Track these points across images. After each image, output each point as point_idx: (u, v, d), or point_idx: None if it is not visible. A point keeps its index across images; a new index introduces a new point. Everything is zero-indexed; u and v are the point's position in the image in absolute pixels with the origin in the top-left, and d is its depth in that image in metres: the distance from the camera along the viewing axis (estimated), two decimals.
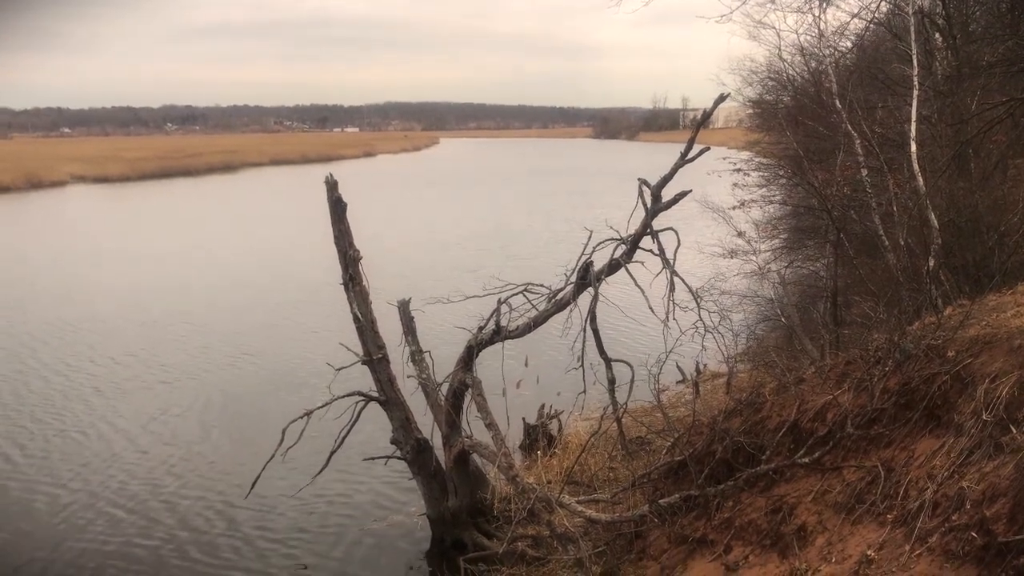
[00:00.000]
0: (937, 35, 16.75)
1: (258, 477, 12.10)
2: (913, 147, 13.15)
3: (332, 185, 12.13)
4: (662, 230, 10.57)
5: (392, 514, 13.83)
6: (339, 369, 11.95)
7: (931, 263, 11.85)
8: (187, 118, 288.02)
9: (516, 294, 11.28)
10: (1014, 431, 6.47)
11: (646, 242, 10.68)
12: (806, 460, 8.77)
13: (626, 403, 11.52)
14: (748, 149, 35.10)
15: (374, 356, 12.30)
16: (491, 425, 11.16)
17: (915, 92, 13.59)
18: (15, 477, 15.58)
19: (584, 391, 10.95)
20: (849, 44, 21.40)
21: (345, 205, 12.21)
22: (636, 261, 10.73)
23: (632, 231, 10.74)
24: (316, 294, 27.75)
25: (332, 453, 12.35)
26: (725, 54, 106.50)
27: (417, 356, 12.74)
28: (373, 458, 13.36)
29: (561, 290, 11.13)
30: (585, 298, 10.99)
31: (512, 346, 11.69)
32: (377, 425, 13.29)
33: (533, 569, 10.99)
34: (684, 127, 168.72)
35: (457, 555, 11.79)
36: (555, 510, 10.61)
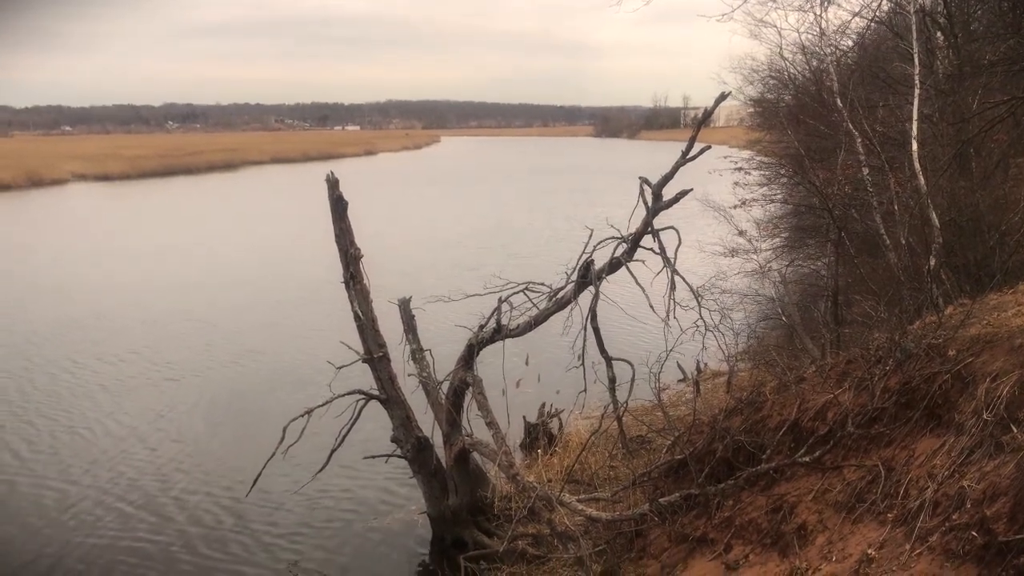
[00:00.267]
0: (939, 34, 16.74)
1: (259, 475, 12.11)
2: (914, 146, 13.14)
3: (333, 183, 12.13)
4: (663, 229, 10.57)
5: (393, 512, 13.84)
6: (340, 367, 11.97)
7: (932, 262, 11.84)
8: (188, 116, 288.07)
9: (517, 292, 11.28)
10: (1015, 430, 6.47)
11: (647, 241, 10.68)
12: (807, 459, 8.77)
13: (627, 402, 11.52)
14: (749, 148, 35.06)
15: (375, 354, 12.31)
16: (492, 423, 11.16)
17: (916, 91, 13.59)
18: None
19: (585, 389, 10.95)
20: (850, 43, 21.41)
21: (346, 203, 12.21)
22: (637, 260, 10.73)
23: (633, 230, 10.74)
24: (317, 292, 27.76)
25: (333, 451, 12.36)
26: (726, 53, 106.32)
27: (418, 354, 12.75)
28: (374, 456, 13.36)
29: (562, 289, 11.13)
30: (586, 297, 10.99)
31: (513, 345, 11.70)
32: (378, 423, 13.30)
33: (533, 567, 11.00)
34: (685, 126, 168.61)
35: (457, 553, 11.79)
36: (555, 508, 10.61)
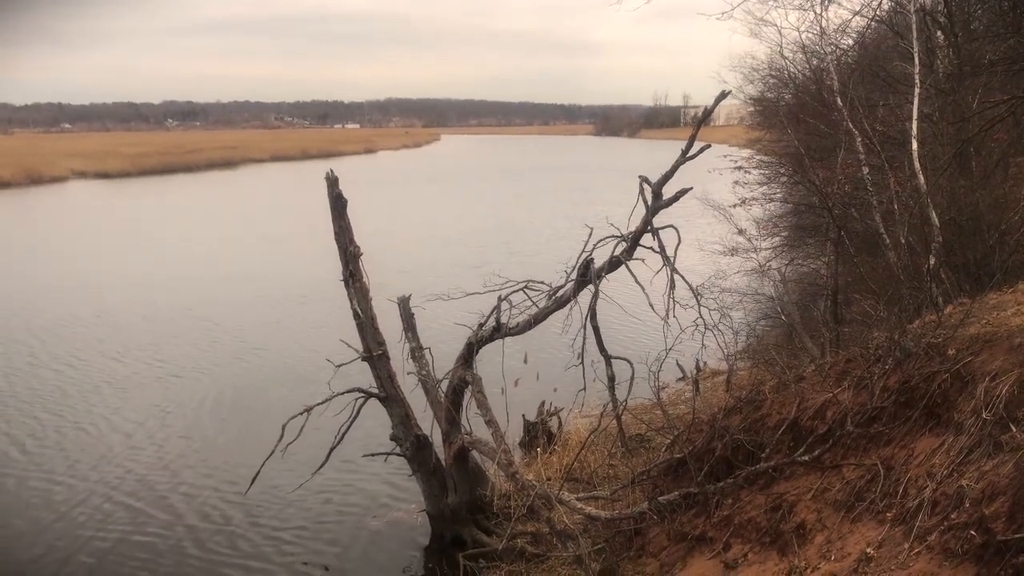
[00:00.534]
0: (939, 33, 16.72)
1: (257, 473, 12.11)
2: (914, 145, 13.14)
3: (332, 181, 12.12)
4: (663, 227, 10.57)
5: (392, 510, 13.85)
6: (339, 365, 11.97)
7: (932, 261, 11.84)
8: (188, 114, 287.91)
9: (516, 291, 11.27)
10: (1014, 430, 6.48)
11: (647, 239, 10.67)
12: (806, 458, 8.77)
13: (626, 400, 11.53)
14: (749, 147, 35.09)
15: (374, 352, 12.30)
16: (491, 422, 11.16)
17: (916, 90, 13.58)
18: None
19: (584, 388, 10.96)
20: (851, 42, 21.38)
21: (345, 201, 12.20)
22: (636, 258, 10.72)
23: (633, 228, 10.73)
24: (318, 290, 27.75)
25: (332, 449, 12.36)
26: (726, 51, 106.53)
27: (417, 353, 12.74)
28: (373, 454, 13.37)
29: (561, 287, 11.13)
30: (585, 295, 10.99)
31: (512, 343, 11.69)
32: (377, 421, 13.30)
33: (532, 566, 11.00)
34: (685, 124, 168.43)
35: (456, 551, 11.80)
36: (555, 507, 10.61)
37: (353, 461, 14.44)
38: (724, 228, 22.73)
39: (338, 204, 12.18)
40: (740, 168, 25.59)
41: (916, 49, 13.99)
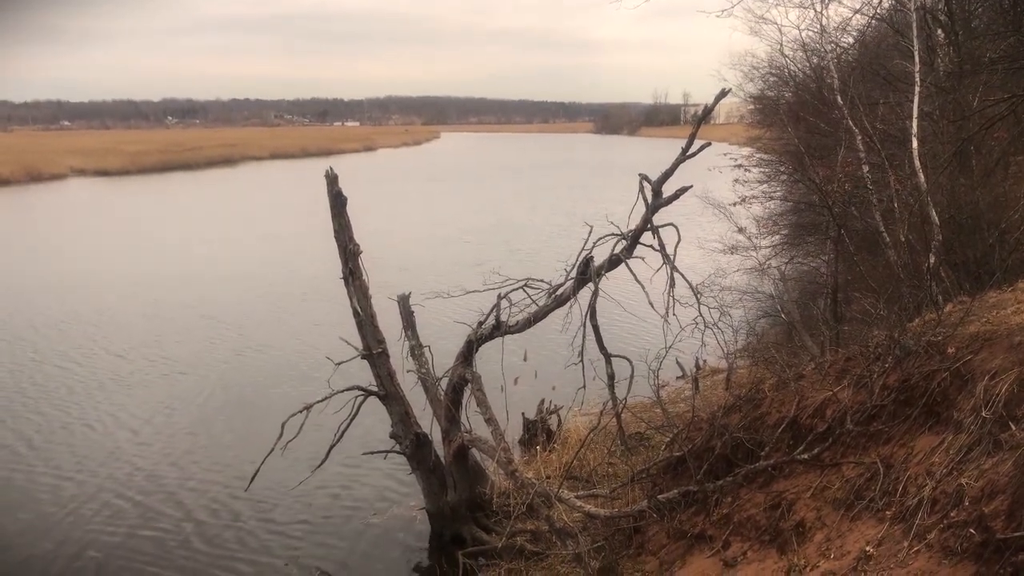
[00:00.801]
0: (939, 31, 16.71)
1: (257, 471, 12.11)
2: (914, 143, 13.13)
3: (332, 179, 12.11)
4: (662, 226, 10.56)
5: (391, 508, 13.86)
6: (339, 363, 11.98)
7: (932, 260, 11.84)
8: (187, 111, 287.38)
9: (516, 289, 11.27)
10: (1013, 428, 6.47)
11: (646, 238, 10.67)
12: (805, 456, 8.78)
13: (625, 399, 11.53)
14: (749, 145, 34.97)
15: (374, 350, 12.30)
16: (490, 420, 11.16)
17: (917, 88, 13.57)
18: (24, 468, 15.66)
19: (584, 386, 10.94)
20: (851, 40, 21.36)
21: (345, 199, 12.19)
22: (636, 257, 10.72)
23: (632, 226, 10.73)
24: (318, 288, 27.75)
25: (331, 447, 12.36)
26: (726, 49, 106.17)
27: (417, 351, 12.74)
28: (372, 452, 13.38)
29: (561, 285, 11.12)
30: (585, 293, 10.99)
31: (512, 341, 11.69)
32: (377, 419, 13.30)
33: (532, 564, 11.01)
34: (685, 123, 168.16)
35: (456, 549, 11.80)
36: (554, 505, 10.62)
37: (353, 459, 14.44)
38: (724, 226, 22.72)
39: (337, 202, 12.17)
40: (740, 166, 25.54)
41: (916, 47, 13.98)
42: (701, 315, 10.73)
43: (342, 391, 12.02)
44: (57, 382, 20.47)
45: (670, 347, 10.92)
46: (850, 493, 7.87)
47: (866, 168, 15.79)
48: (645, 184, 10.64)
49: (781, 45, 20.92)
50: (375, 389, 12.42)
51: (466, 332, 11.87)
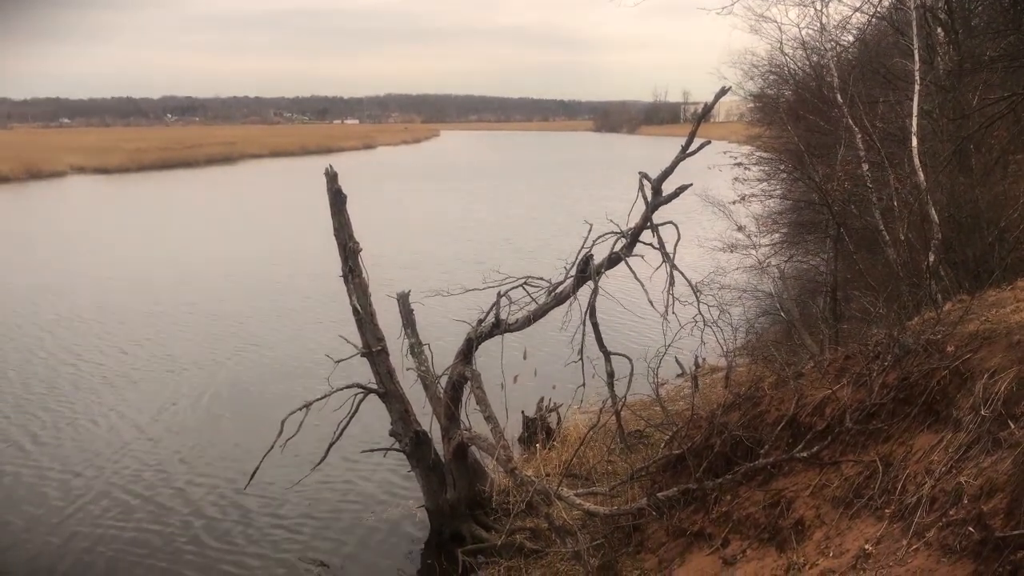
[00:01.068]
0: (939, 29, 16.71)
1: (257, 468, 12.13)
2: (914, 142, 13.14)
3: (332, 177, 12.11)
4: (662, 224, 10.57)
5: (391, 506, 13.86)
6: (339, 361, 12.00)
7: (931, 258, 11.85)
8: (187, 109, 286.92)
9: (516, 287, 11.28)
10: (1012, 426, 6.48)
11: (646, 236, 10.68)
12: (804, 454, 8.79)
13: (625, 397, 11.53)
14: (749, 143, 34.95)
15: (373, 348, 12.31)
16: (490, 418, 11.17)
17: (916, 87, 13.57)
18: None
19: (583, 384, 10.96)
20: (851, 38, 21.36)
21: (345, 197, 12.19)
22: (636, 255, 10.73)
23: (632, 225, 10.73)
24: (319, 285, 27.75)
25: (331, 445, 12.38)
26: (726, 48, 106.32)
27: (416, 349, 12.74)
28: (372, 450, 13.38)
29: (561, 283, 11.13)
30: (585, 291, 11.00)
31: (511, 339, 11.70)
32: (376, 417, 13.30)
33: (531, 561, 11.03)
34: (685, 121, 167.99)
35: (455, 547, 11.83)
36: (553, 503, 10.63)
37: (352, 457, 14.45)
38: (723, 224, 22.71)
39: (337, 200, 12.17)
40: (740, 164, 25.49)
41: (916, 45, 13.98)
42: (700, 313, 10.75)
43: (342, 389, 12.03)
44: (60, 379, 20.47)
45: (669, 345, 10.94)
46: (849, 491, 7.88)
47: (866, 166, 15.79)
48: (645, 182, 10.65)
49: (781, 43, 20.94)
50: (375, 387, 12.43)
51: (466, 330, 11.88)
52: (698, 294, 10.80)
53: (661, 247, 10.58)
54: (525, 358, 12.90)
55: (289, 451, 11.89)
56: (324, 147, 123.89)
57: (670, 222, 10.57)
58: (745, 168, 25.67)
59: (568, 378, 12.29)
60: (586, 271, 10.84)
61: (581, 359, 10.58)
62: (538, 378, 15.56)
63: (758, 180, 25.97)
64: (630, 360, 11.51)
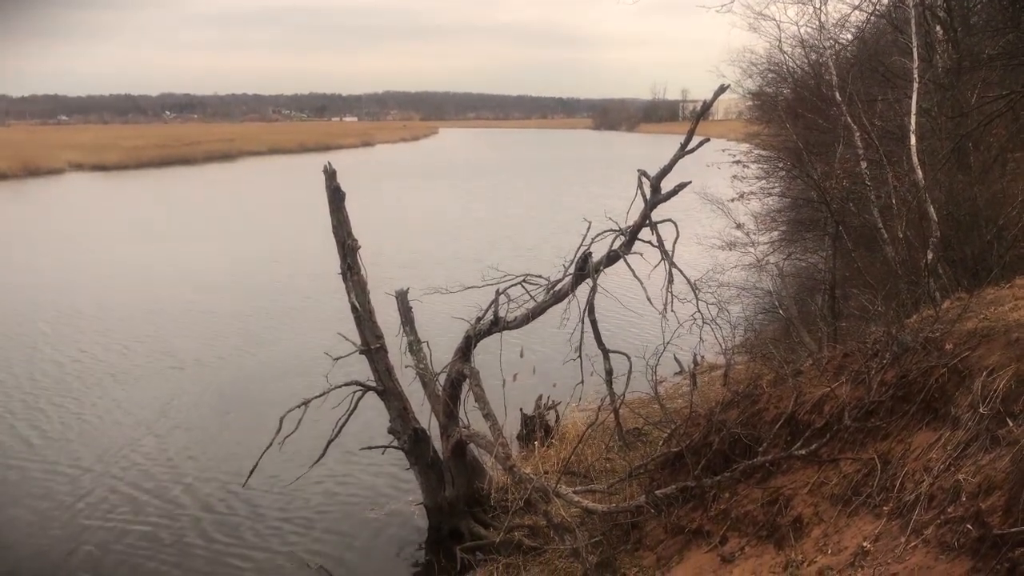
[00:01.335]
0: (938, 28, 16.72)
1: (255, 466, 12.14)
2: (913, 140, 13.14)
3: (330, 174, 12.11)
4: (661, 221, 10.57)
5: (389, 503, 13.86)
6: (337, 359, 12.00)
7: (929, 256, 11.86)
8: (185, 106, 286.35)
9: (514, 285, 11.29)
10: (1011, 424, 6.49)
11: (645, 233, 10.68)
12: (803, 452, 8.79)
13: (623, 394, 11.53)
14: (747, 141, 34.99)
15: (372, 346, 12.31)
16: (488, 415, 11.17)
17: (915, 85, 13.58)
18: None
19: (582, 382, 10.97)
20: (850, 36, 21.35)
21: (343, 194, 12.19)
22: (635, 252, 10.74)
23: (631, 222, 10.73)
24: (319, 282, 27.73)
25: (329, 442, 12.39)
26: (725, 45, 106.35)
27: (415, 346, 12.74)
28: (370, 447, 13.38)
29: (559, 281, 11.14)
30: (584, 289, 11.00)
31: (510, 337, 11.70)
32: (375, 414, 13.31)
33: (530, 558, 11.04)
34: (684, 118, 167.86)
35: (454, 544, 11.83)
36: (552, 500, 10.63)
37: (351, 454, 14.45)
38: (722, 222, 22.72)
39: (336, 197, 12.17)
40: (738, 162, 25.52)
41: (915, 43, 13.99)
42: (699, 311, 10.77)
43: (340, 386, 12.04)
44: (58, 377, 20.46)
45: (668, 343, 10.95)
46: (847, 489, 7.89)
47: (864, 164, 15.80)
48: (644, 180, 10.65)
49: (780, 41, 20.92)
50: (373, 384, 12.43)
51: (464, 328, 11.88)
52: (697, 292, 10.81)
53: (660, 245, 10.59)
54: (522, 356, 12.93)
55: (289, 448, 11.89)
56: (323, 144, 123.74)
57: (669, 220, 10.58)
58: (744, 166, 25.70)
59: (567, 376, 12.29)
60: (585, 269, 10.84)
61: (580, 357, 10.58)
62: (537, 376, 15.61)
63: (757, 178, 25.98)
64: (629, 358, 11.51)
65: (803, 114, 19.64)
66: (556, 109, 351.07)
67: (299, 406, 11.58)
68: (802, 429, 9.05)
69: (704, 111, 11.17)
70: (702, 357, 18.94)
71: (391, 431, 12.62)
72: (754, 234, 22.62)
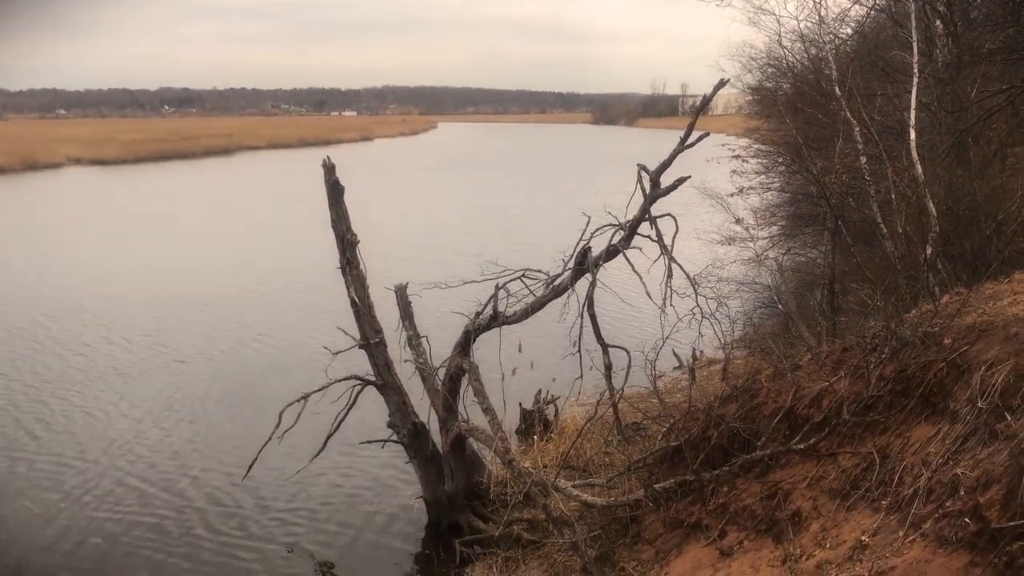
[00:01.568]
0: (938, 22, 16.70)
1: (254, 460, 12.17)
2: (912, 135, 13.13)
3: (329, 168, 12.10)
4: (660, 216, 10.58)
5: (389, 497, 13.89)
6: (336, 353, 12.01)
7: (929, 251, 11.87)
8: (184, 100, 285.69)
9: (514, 279, 11.29)
10: (1009, 418, 6.50)
11: (644, 228, 10.68)
12: (801, 446, 8.80)
13: (622, 389, 11.56)
14: (747, 136, 34.97)
15: (371, 340, 12.31)
16: (488, 410, 11.19)
17: (915, 79, 13.56)
18: (28, 456, 15.70)
19: (581, 376, 11.00)
20: (850, 31, 21.37)
21: (342, 188, 12.18)
22: (634, 247, 10.74)
23: (630, 217, 10.73)
24: (319, 277, 27.70)
25: (329, 436, 12.41)
26: (725, 40, 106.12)
27: (414, 341, 12.75)
28: (370, 441, 13.40)
29: (559, 276, 11.14)
30: (583, 284, 11.00)
31: (509, 332, 11.70)
32: (374, 409, 13.32)
33: (529, 552, 11.07)
34: (683, 113, 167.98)
35: (453, 538, 11.87)
36: (551, 494, 10.66)
37: (351, 448, 14.47)
38: (722, 217, 22.74)
39: (335, 191, 12.16)
40: (738, 157, 25.52)
41: (915, 38, 13.97)
42: (698, 306, 10.78)
43: (340, 380, 12.06)
44: (59, 371, 20.49)
45: (667, 337, 10.97)
46: (846, 483, 7.90)
47: (864, 159, 15.78)
48: (643, 174, 10.65)
49: (779, 36, 20.91)
50: (373, 379, 12.44)
51: (463, 322, 11.88)
52: (696, 286, 10.82)
53: (659, 239, 10.59)
54: (520, 351, 12.94)
55: (288, 442, 11.91)
56: (322, 139, 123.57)
57: (668, 214, 10.58)
58: (743, 161, 25.71)
59: (566, 370, 12.32)
60: (584, 263, 10.84)
61: (579, 351, 10.60)
62: (536, 370, 15.64)
63: (756, 173, 25.98)
64: (628, 352, 11.53)
65: (803, 109, 19.61)
66: (555, 104, 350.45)
67: (298, 400, 11.60)
68: (801, 423, 9.06)
69: (704, 106, 11.16)
70: (701, 352, 18.97)
71: (390, 425, 12.63)
72: (753, 229, 22.63)
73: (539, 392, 15.68)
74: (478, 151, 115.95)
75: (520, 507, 11.50)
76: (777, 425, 9.39)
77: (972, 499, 6.09)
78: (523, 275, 11.29)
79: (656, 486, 10.25)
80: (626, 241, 10.71)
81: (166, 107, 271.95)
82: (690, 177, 10.73)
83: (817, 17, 17.94)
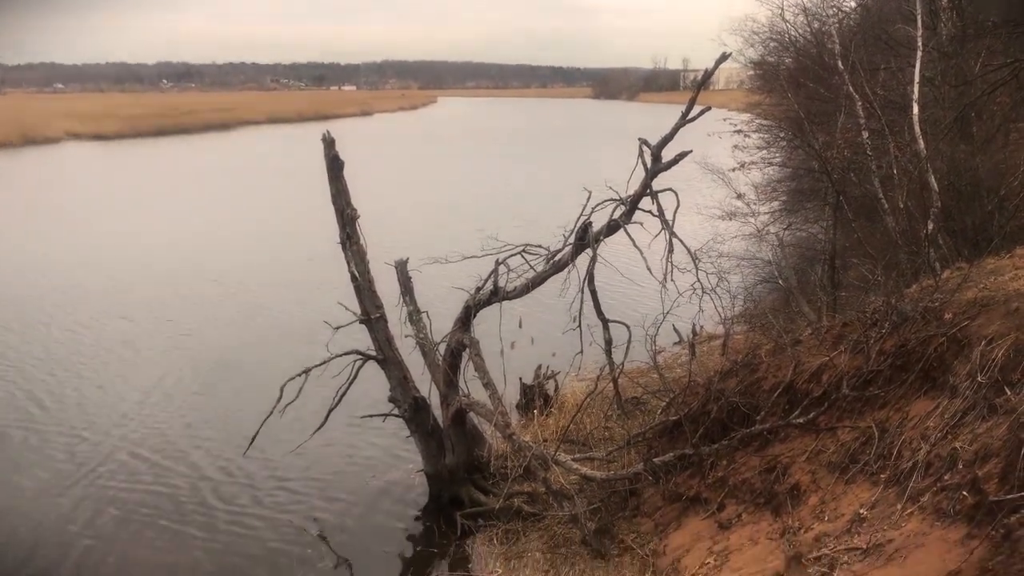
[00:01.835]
0: None
1: (256, 434, 12.21)
2: (915, 109, 13.06)
3: (329, 143, 12.03)
4: (661, 191, 10.54)
5: (390, 471, 13.97)
6: (337, 328, 12.01)
7: (930, 226, 11.85)
8: (183, 75, 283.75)
9: (514, 255, 11.27)
10: (1008, 393, 6.53)
11: (645, 203, 10.65)
12: (801, 420, 8.85)
13: (623, 364, 11.59)
14: (749, 111, 34.76)
15: (372, 315, 12.32)
16: (488, 384, 11.23)
17: (919, 53, 13.46)
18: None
19: (581, 351, 11.01)
20: (853, 3, 21.16)
21: (342, 163, 12.12)
22: (635, 222, 10.71)
23: (631, 192, 10.70)
24: (321, 251, 27.63)
25: (330, 411, 12.45)
26: (727, 14, 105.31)
27: (415, 316, 12.76)
28: (371, 415, 13.45)
29: (559, 251, 11.12)
30: (583, 259, 10.99)
31: (510, 307, 11.71)
32: (375, 383, 13.36)
33: (529, 525, 11.16)
34: (685, 88, 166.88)
35: (454, 510, 11.96)
36: (551, 467, 10.73)
37: (352, 422, 14.52)
38: (723, 192, 22.64)
39: (335, 166, 12.10)
40: (739, 132, 25.37)
41: (919, 11, 13.85)
42: (699, 281, 10.77)
43: (340, 355, 12.07)
44: (66, 346, 20.50)
45: (668, 312, 10.97)
46: (845, 457, 7.95)
47: (866, 134, 15.70)
48: (644, 149, 10.59)
49: (782, 9, 20.84)
50: (374, 354, 12.46)
51: (464, 297, 11.88)
52: (697, 262, 10.80)
53: (660, 214, 10.56)
54: (520, 326, 12.95)
55: (290, 416, 11.95)
56: (321, 114, 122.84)
57: (669, 189, 10.55)
58: (745, 135, 25.54)
59: (566, 345, 12.32)
60: (585, 238, 10.82)
61: (579, 326, 10.61)
62: (536, 345, 15.65)
63: (758, 148, 25.84)
64: (628, 327, 11.54)
65: (805, 83, 19.49)
66: (556, 78, 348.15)
67: (300, 375, 11.63)
68: (800, 398, 9.10)
69: (705, 80, 11.08)
70: (701, 327, 18.97)
71: (392, 399, 12.68)
72: (754, 204, 22.54)
73: (539, 367, 15.72)
74: (480, 127, 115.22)
75: (520, 480, 11.58)
76: (777, 399, 9.43)
77: (970, 472, 6.14)
78: (524, 250, 11.28)
79: (655, 460, 10.32)
80: (627, 216, 10.68)
81: (165, 81, 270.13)
82: (691, 152, 10.67)
83: None
